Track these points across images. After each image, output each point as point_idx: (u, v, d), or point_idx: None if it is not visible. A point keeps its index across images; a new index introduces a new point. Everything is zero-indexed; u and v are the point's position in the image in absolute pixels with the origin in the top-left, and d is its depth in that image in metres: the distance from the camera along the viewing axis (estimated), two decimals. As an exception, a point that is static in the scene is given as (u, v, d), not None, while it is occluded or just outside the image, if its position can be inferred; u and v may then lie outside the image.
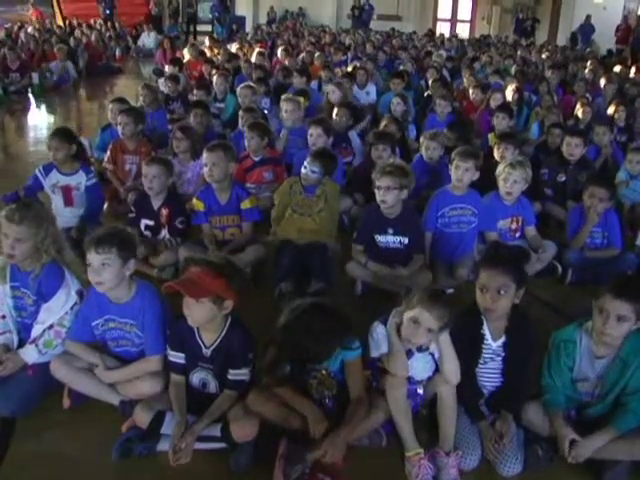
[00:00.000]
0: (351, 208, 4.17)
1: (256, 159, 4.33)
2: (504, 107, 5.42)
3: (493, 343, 2.25)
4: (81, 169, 3.76)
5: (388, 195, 3.13)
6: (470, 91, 6.69)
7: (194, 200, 3.52)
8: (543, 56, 11.34)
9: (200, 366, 2.23)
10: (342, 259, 3.38)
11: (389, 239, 3.25)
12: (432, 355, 2.20)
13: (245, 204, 3.46)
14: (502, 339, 2.25)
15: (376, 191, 3.18)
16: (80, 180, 3.75)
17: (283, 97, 5.15)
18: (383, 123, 4.94)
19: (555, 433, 2.14)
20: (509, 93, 6.32)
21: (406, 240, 3.25)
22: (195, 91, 6.32)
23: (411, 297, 2.13)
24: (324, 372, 2.17)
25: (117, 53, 13.58)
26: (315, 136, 4.17)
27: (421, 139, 4.39)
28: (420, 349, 2.18)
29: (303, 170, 3.44)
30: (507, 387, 2.26)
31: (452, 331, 2.13)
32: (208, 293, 2.06)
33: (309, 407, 2.10)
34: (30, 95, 8.91)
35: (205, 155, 3.43)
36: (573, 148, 4.32)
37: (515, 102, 6.19)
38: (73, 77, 10.12)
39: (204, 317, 2.11)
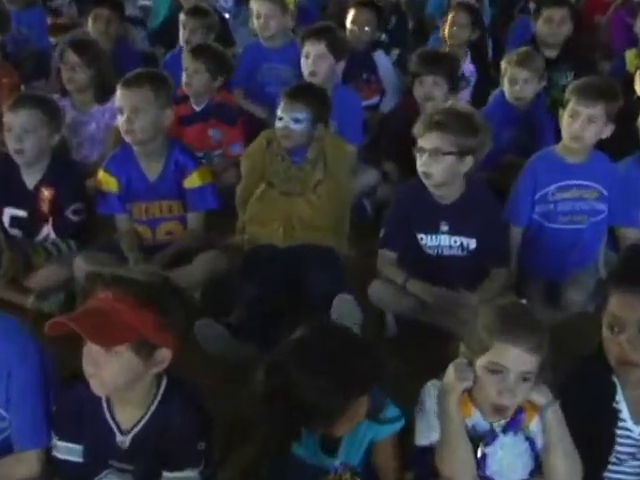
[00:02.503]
0: (377, 186, 4.23)
1: (197, 108, 4.42)
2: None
3: (635, 427, 2.27)
4: None
5: (436, 165, 3.17)
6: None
7: (101, 173, 3.55)
8: None
9: (112, 466, 2.24)
10: (361, 273, 3.41)
11: (442, 241, 3.30)
12: (530, 442, 2.21)
13: (192, 180, 3.50)
14: (652, 420, 2.28)
15: (417, 157, 3.21)
16: None
17: None
18: (450, 15, 5.04)
19: None
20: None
21: (473, 243, 3.30)
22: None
23: (472, 334, 2.14)
24: (341, 471, 2.20)
25: None
26: (313, 58, 4.23)
27: (503, 64, 4.42)
28: (509, 427, 2.19)
29: (279, 124, 3.49)
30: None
31: (563, 402, 2.15)
32: (128, 336, 2.06)
33: None
34: None
35: (120, 94, 3.46)
36: None
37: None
38: None
39: (119, 379, 2.11)
